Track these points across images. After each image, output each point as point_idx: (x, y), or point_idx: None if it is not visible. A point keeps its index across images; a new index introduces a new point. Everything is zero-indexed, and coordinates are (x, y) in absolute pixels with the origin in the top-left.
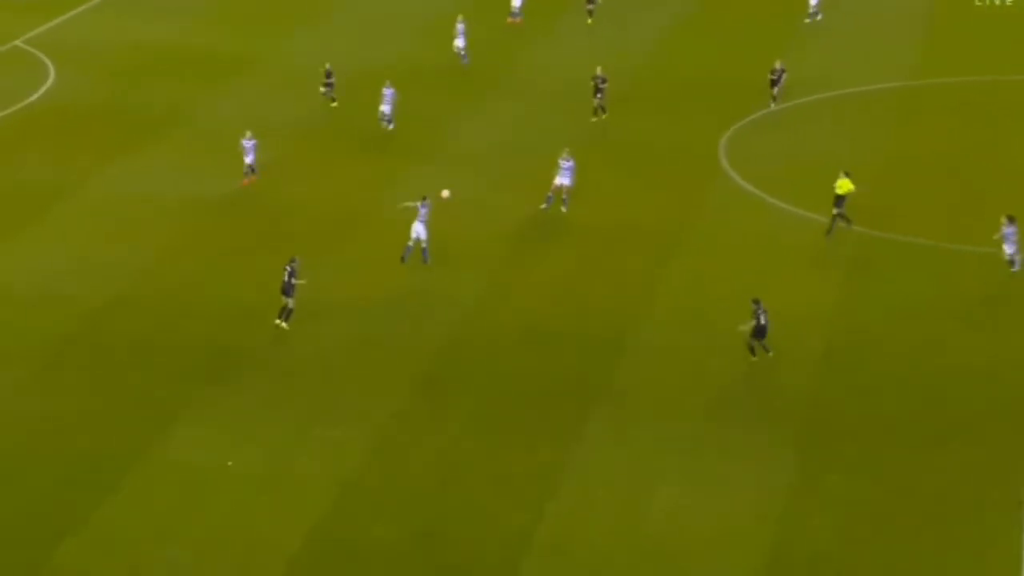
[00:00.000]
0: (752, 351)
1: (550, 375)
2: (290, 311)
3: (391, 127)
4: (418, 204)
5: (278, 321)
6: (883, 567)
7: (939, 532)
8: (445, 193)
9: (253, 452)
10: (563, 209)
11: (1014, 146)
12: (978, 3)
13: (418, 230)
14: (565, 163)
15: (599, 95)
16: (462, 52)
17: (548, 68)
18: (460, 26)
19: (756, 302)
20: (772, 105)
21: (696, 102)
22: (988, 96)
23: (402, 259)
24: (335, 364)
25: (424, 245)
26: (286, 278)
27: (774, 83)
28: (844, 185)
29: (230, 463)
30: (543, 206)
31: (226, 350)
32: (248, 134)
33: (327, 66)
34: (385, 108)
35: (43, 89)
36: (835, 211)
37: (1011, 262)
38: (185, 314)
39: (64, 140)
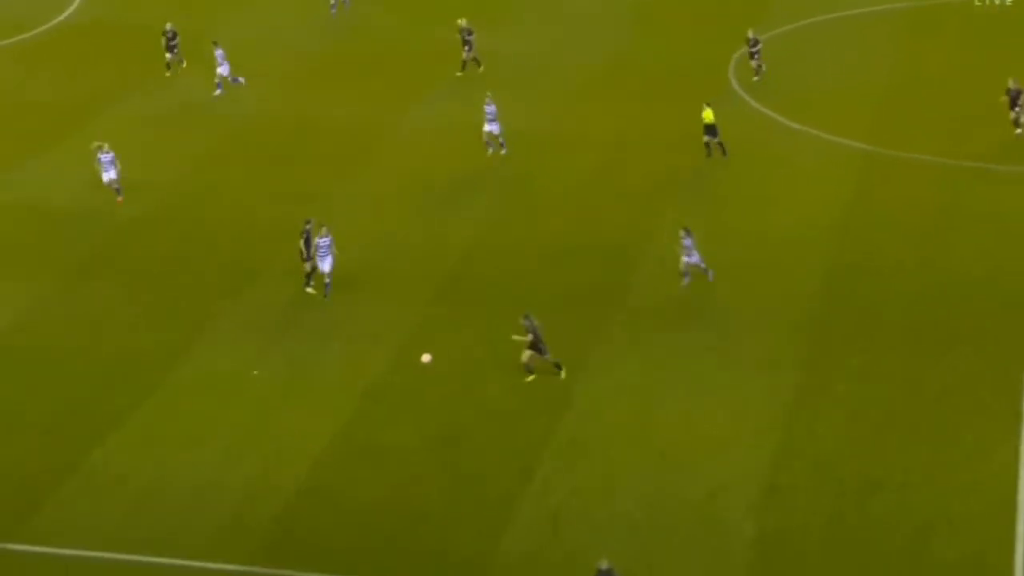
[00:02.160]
0: (529, 370)
1: (564, 286)
2: (313, 273)
3: (504, 151)
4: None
5: (308, 289)
6: (885, 469)
7: (940, 436)
8: (426, 357)
9: (277, 362)
10: (502, 152)
11: (1018, 63)
12: (977, 3)
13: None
14: (488, 107)
15: (467, 48)
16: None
17: None
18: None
19: (527, 317)
20: (756, 78)
21: (706, 25)
22: (995, 17)
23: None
24: (355, 278)
25: (327, 280)
26: (303, 241)
27: (753, 55)
28: (708, 115)
29: (256, 372)
30: (490, 151)
31: (251, 264)
32: (104, 146)
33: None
34: (492, 128)
35: (72, 8)
36: (706, 139)
37: (684, 274)
38: (212, 229)
39: (92, 58)
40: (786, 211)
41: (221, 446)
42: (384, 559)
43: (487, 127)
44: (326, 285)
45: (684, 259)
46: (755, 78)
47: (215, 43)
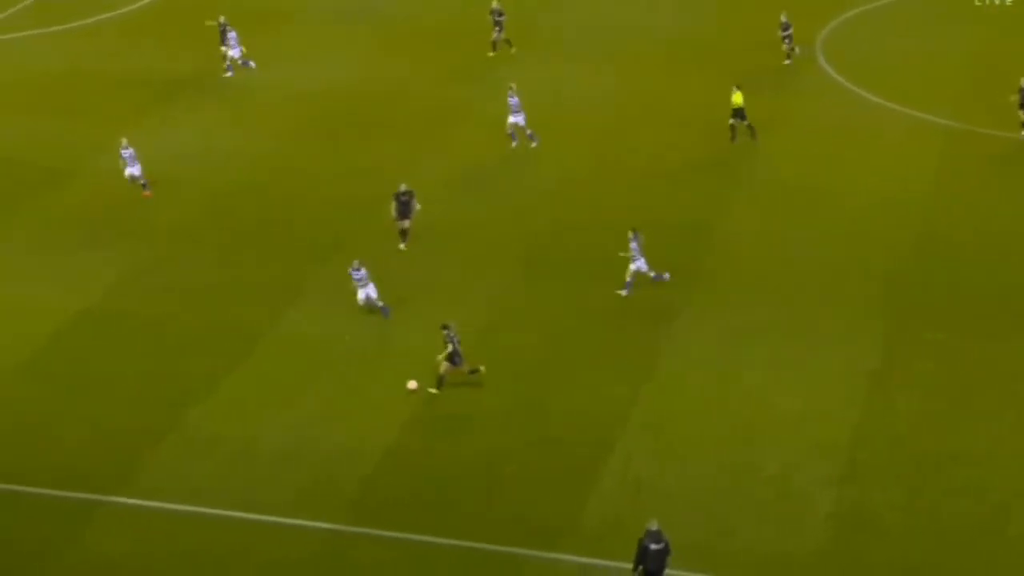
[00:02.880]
0: (441, 383)
1: (647, 259)
2: (406, 232)
3: (534, 144)
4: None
5: (402, 246)
6: (963, 445)
7: (1019, 413)
8: (412, 385)
9: (365, 328)
10: (533, 144)
11: None
12: (977, 3)
13: (366, 293)
14: (512, 99)
15: (498, 29)
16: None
17: None
18: None
19: (446, 327)
20: (787, 61)
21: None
22: None
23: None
24: (438, 249)
25: (380, 303)
26: (395, 204)
27: (785, 39)
28: (738, 98)
29: (347, 337)
30: (513, 144)
31: (340, 233)
32: (124, 141)
33: None
34: (517, 119)
35: None
36: (732, 121)
37: (627, 283)
38: (302, 198)
39: (189, 32)
40: (867, 187)
41: (311, 409)
42: (467, 523)
43: (511, 119)
44: (382, 308)
45: (631, 266)
46: (786, 61)
47: (228, 25)
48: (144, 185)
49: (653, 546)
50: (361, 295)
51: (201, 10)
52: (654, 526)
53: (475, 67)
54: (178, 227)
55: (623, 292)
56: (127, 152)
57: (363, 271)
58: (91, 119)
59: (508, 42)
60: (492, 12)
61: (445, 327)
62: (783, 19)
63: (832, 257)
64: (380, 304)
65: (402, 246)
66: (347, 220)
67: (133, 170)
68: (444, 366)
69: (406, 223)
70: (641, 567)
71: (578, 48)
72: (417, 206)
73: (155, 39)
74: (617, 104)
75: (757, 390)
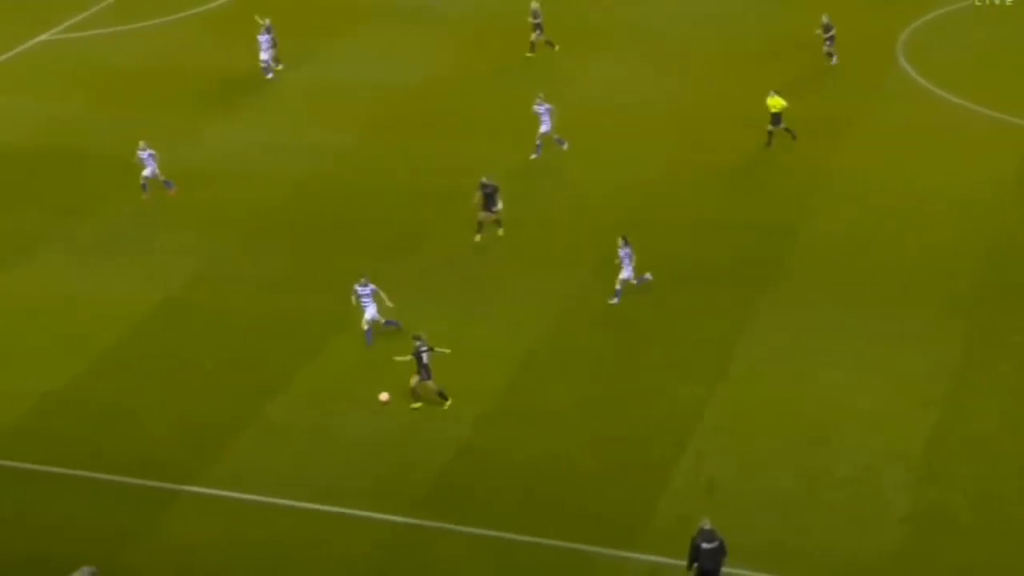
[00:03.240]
0: (416, 396)
1: (723, 259)
2: (482, 224)
3: (565, 146)
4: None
5: (500, 231)
6: None
7: None
8: (384, 396)
9: (439, 324)
10: (564, 146)
11: None
12: (977, 3)
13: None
14: (540, 107)
15: (538, 31)
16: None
17: None
18: None
19: (417, 338)
20: (833, 60)
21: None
22: None
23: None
24: (514, 246)
25: (384, 321)
26: (481, 195)
27: (827, 40)
28: (776, 103)
29: (422, 332)
30: (533, 156)
31: (416, 228)
32: (142, 144)
33: None
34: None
35: None
36: (770, 127)
37: (616, 292)
38: (378, 193)
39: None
40: (948, 188)
41: (384, 405)
42: (539, 519)
43: (542, 128)
44: (388, 324)
45: (620, 275)
46: (833, 62)
47: (269, 28)
48: (167, 184)
49: (705, 545)
50: (367, 315)
51: (281, 7)
52: (707, 525)
53: (551, 64)
54: (256, 220)
55: (613, 300)
56: (145, 153)
57: (370, 287)
58: (170, 114)
59: (549, 43)
60: (531, 13)
61: (416, 338)
62: (825, 20)
63: (912, 258)
64: (384, 322)
65: (477, 238)
66: (422, 214)
67: (149, 171)
68: (414, 379)
69: (488, 215)
70: (696, 565)
71: (649, 46)
72: (499, 203)
73: (234, 36)
74: (690, 103)
75: (834, 390)
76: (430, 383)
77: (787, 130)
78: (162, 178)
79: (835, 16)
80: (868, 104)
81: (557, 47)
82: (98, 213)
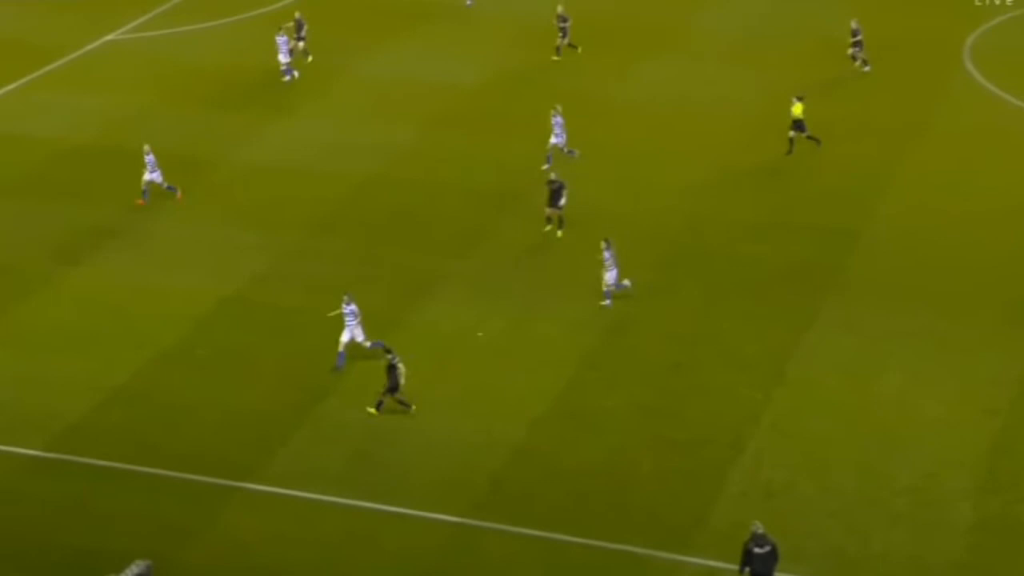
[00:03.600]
0: (379, 407)
1: (783, 262)
2: (551, 218)
3: (575, 154)
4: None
5: (559, 232)
6: None
7: None
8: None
9: (499, 324)
10: (574, 154)
11: None
12: (977, 3)
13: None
14: (555, 119)
15: (562, 34)
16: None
17: None
18: None
19: (389, 351)
20: (866, 68)
21: (944, 3)
22: None
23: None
24: (574, 246)
25: (368, 344)
26: (550, 191)
27: (856, 44)
28: (797, 108)
29: (480, 334)
30: (544, 166)
31: (475, 227)
32: (146, 148)
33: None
34: (558, 140)
35: None
36: (792, 134)
37: (605, 294)
38: (439, 191)
39: (327, 28)
40: (1013, 191)
41: (443, 403)
42: (595, 521)
43: (552, 140)
44: (372, 345)
45: (605, 276)
46: (865, 68)
47: (288, 31)
48: (171, 189)
49: (757, 549)
50: (346, 336)
51: (345, 8)
52: (759, 529)
53: (615, 61)
54: (318, 219)
55: (605, 303)
56: (149, 159)
57: (353, 306)
58: (234, 112)
59: (573, 46)
60: (557, 17)
61: (388, 351)
62: (854, 25)
63: (977, 262)
64: (368, 344)
65: (548, 228)
66: (481, 212)
67: (153, 176)
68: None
69: (553, 211)
70: (748, 570)
71: (706, 47)
72: (563, 200)
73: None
74: (757, 104)
75: (896, 396)
76: (398, 396)
77: (810, 137)
78: (164, 185)
79: (902, 21)
80: (934, 108)
81: (580, 49)
82: (163, 210)
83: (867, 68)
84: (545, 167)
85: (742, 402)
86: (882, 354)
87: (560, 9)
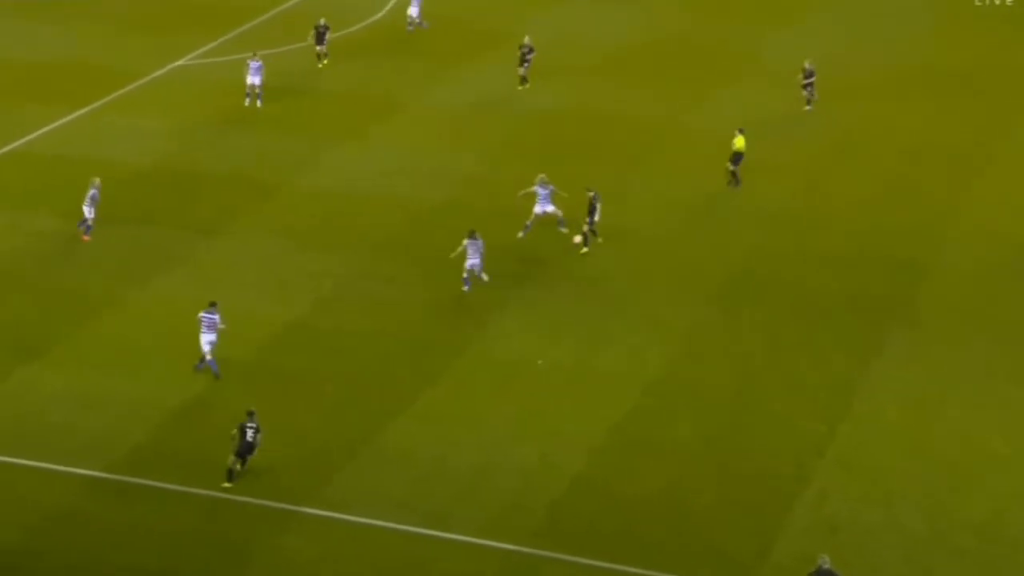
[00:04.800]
0: (232, 476)
1: (849, 293)
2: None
3: (564, 229)
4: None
5: (585, 249)
6: None
7: None
8: (577, 239)
9: (560, 351)
10: (563, 230)
11: None
12: (977, 3)
13: (206, 340)
14: (543, 189)
15: (525, 64)
16: (416, 20)
17: None
18: None
19: (250, 414)
20: (809, 106)
21: (1003, 28)
22: None
23: (196, 366)
24: (637, 272)
25: (209, 356)
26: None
27: (806, 86)
28: (739, 142)
29: (540, 362)
30: (520, 234)
31: (538, 254)
32: (95, 181)
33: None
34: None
35: (389, 6)
36: (729, 167)
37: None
38: (504, 218)
39: (398, 53)
40: None
41: (502, 431)
42: (655, 553)
43: (537, 208)
44: (201, 362)
45: (466, 263)
46: (806, 107)
47: (254, 54)
48: (87, 227)
49: None
50: (204, 339)
51: (426, 32)
52: (826, 564)
53: (691, 90)
54: (383, 243)
55: (464, 288)
56: (92, 192)
57: (216, 316)
58: (297, 137)
59: (525, 79)
60: (521, 48)
61: (250, 413)
62: (807, 66)
63: None
64: (209, 359)
65: (577, 238)
66: (542, 239)
67: (88, 210)
68: (231, 459)
69: (586, 225)
70: None
71: (778, 74)
72: (597, 215)
73: (361, 61)
74: (831, 133)
75: (963, 430)
76: (243, 465)
77: (733, 173)
78: (89, 221)
79: (974, 50)
80: (1002, 137)
81: (528, 86)
82: (228, 233)
83: (810, 108)
84: (520, 235)
85: (806, 434)
86: (948, 387)
87: (527, 40)
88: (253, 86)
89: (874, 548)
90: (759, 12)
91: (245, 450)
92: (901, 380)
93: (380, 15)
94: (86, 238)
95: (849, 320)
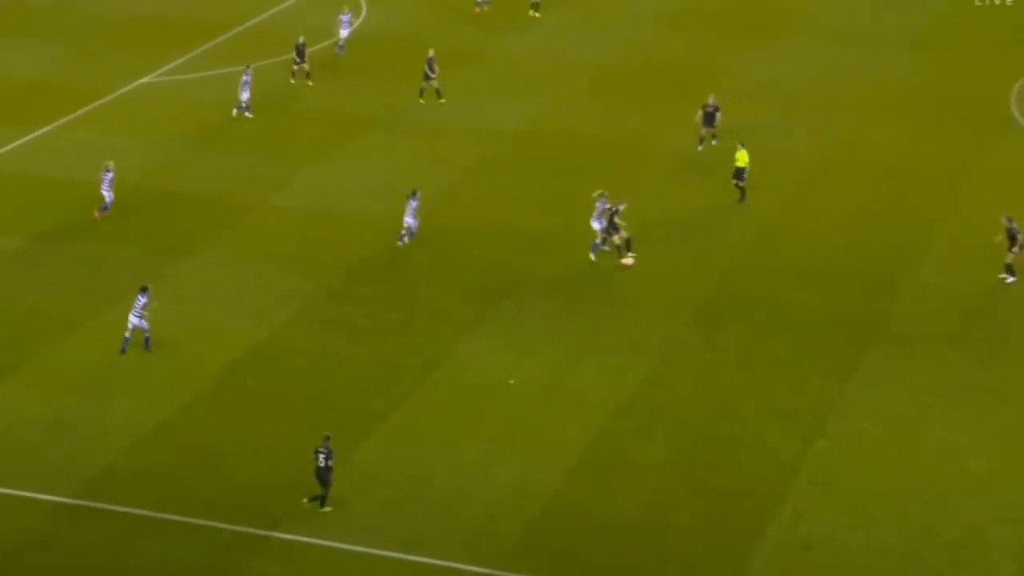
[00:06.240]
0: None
1: (826, 312)
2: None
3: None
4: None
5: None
6: None
7: None
8: (628, 261)
9: (534, 371)
10: (592, 256)
11: None
12: (977, 3)
13: (133, 321)
14: (602, 205)
15: (428, 78)
16: (340, 44)
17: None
18: (345, 18)
19: (325, 438)
20: (712, 142)
21: (991, 50)
22: None
23: (122, 351)
24: (614, 291)
25: (147, 334)
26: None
27: (709, 119)
28: (742, 158)
29: (512, 381)
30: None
31: (514, 273)
32: (109, 165)
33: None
34: (409, 220)
35: (359, 22)
36: (736, 183)
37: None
38: (479, 236)
39: (376, 70)
40: None
41: (475, 452)
42: (630, 573)
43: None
44: (127, 339)
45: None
46: (700, 148)
47: (247, 67)
48: (106, 207)
49: None
50: (132, 322)
51: (396, 49)
52: None
53: (671, 108)
54: (355, 263)
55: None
56: (109, 175)
57: (145, 299)
58: (272, 154)
59: (422, 92)
60: (428, 61)
61: (325, 438)
62: (711, 100)
63: (1022, 315)
64: (145, 337)
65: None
66: (523, 260)
67: (108, 193)
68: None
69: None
70: None
71: (767, 94)
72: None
73: (347, 75)
74: (810, 152)
75: (940, 450)
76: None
77: (741, 187)
78: (109, 200)
79: (949, 67)
80: (980, 155)
81: (421, 100)
82: (198, 253)
83: (704, 146)
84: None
85: (782, 453)
86: (925, 406)
87: (431, 52)
88: (244, 100)
89: (849, 568)
90: (742, 32)
91: (319, 475)
92: (878, 398)
93: (346, 33)
94: (98, 215)
95: (827, 338)
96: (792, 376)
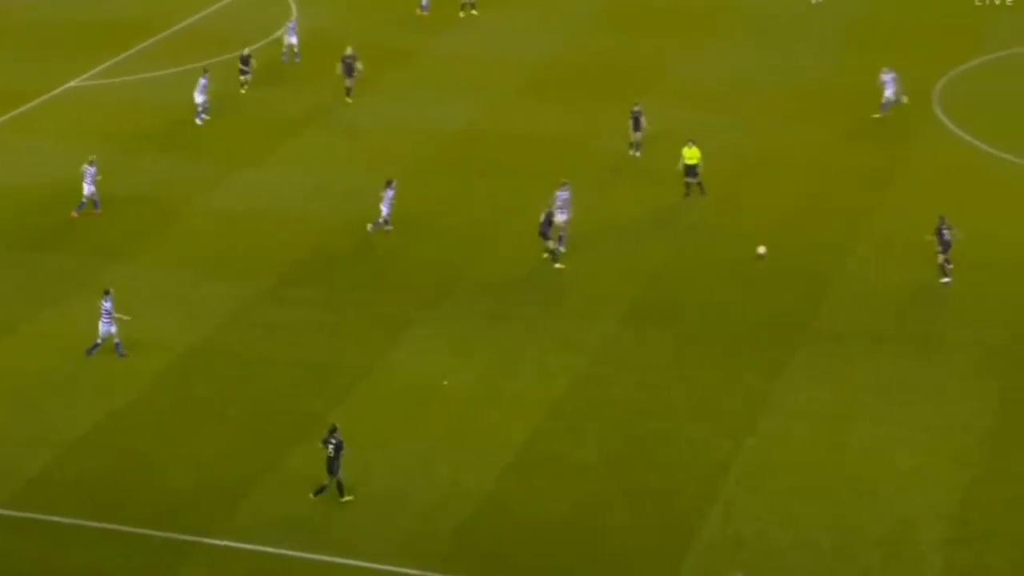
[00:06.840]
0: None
1: (756, 310)
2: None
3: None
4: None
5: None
6: None
7: None
8: (761, 250)
9: (468, 373)
10: (560, 249)
11: None
12: (977, 3)
13: (104, 327)
14: (561, 194)
15: (354, 74)
16: (295, 50)
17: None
18: (291, 24)
19: (332, 429)
20: (637, 153)
21: (911, 50)
22: None
23: (88, 353)
24: (548, 292)
25: (116, 340)
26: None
27: (635, 124)
28: (692, 155)
29: (445, 383)
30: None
31: (450, 273)
32: (91, 159)
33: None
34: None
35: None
36: (688, 180)
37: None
38: (417, 237)
39: (306, 73)
40: (986, 240)
41: (409, 454)
42: (564, 573)
43: (560, 216)
44: (96, 345)
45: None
46: (632, 152)
47: (205, 70)
48: (96, 204)
49: None
50: (103, 329)
51: (333, 52)
52: None
53: (601, 107)
54: (289, 265)
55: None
56: (91, 170)
57: (110, 304)
58: (202, 157)
59: (348, 92)
60: (344, 58)
61: (332, 429)
62: (636, 108)
63: (948, 312)
64: (116, 342)
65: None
66: (458, 257)
67: (88, 191)
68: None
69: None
70: None
71: (700, 93)
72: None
73: (281, 78)
74: (740, 152)
75: (867, 446)
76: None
77: (699, 184)
78: (95, 198)
79: (872, 67)
80: (903, 154)
81: (351, 100)
82: (130, 258)
83: (635, 152)
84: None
85: (713, 451)
86: (854, 403)
87: (349, 50)
88: (200, 103)
89: (780, 564)
90: (675, 32)
91: (329, 467)
92: (807, 396)
93: (279, 33)
94: (97, 212)
95: (756, 336)
96: (722, 375)
